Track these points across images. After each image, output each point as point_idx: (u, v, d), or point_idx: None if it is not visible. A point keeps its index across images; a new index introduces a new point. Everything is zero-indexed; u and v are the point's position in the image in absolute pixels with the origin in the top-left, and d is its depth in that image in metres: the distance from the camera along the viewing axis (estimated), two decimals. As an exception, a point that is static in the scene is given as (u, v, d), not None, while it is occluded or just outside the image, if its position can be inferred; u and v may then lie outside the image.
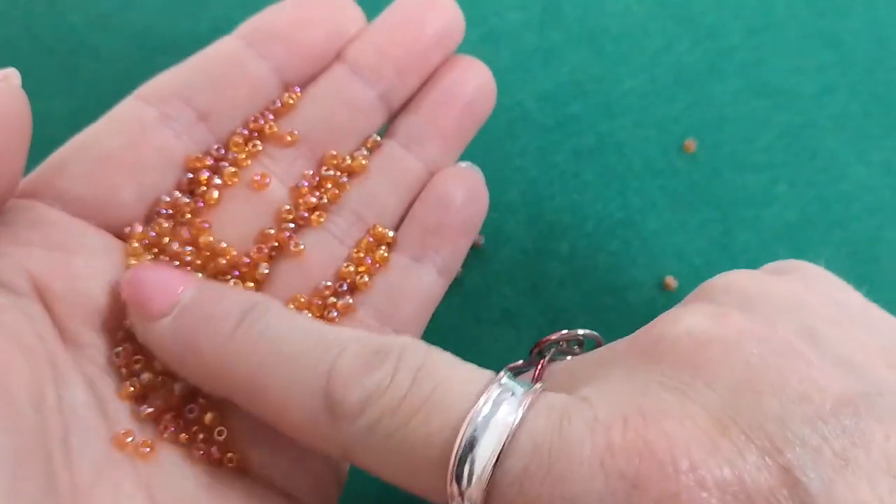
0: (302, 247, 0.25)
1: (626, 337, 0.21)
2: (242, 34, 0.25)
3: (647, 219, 0.34)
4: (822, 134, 0.36)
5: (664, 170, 0.35)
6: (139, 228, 0.23)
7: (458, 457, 0.18)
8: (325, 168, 0.26)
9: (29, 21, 0.39)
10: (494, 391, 0.19)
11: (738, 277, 0.22)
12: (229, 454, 0.22)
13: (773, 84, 0.37)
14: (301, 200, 0.25)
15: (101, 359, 0.22)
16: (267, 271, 0.24)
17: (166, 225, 0.24)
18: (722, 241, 0.34)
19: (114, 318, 0.22)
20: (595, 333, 0.24)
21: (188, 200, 0.24)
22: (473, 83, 0.26)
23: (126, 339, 0.23)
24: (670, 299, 0.33)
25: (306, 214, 0.25)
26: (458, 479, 0.18)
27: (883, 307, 0.33)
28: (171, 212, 0.24)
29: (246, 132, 0.25)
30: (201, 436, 0.22)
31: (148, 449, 0.21)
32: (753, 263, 0.34)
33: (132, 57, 0.38)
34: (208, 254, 0.24)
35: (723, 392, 0.18)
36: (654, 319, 0.21)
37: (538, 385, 0.20)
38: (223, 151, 0.25)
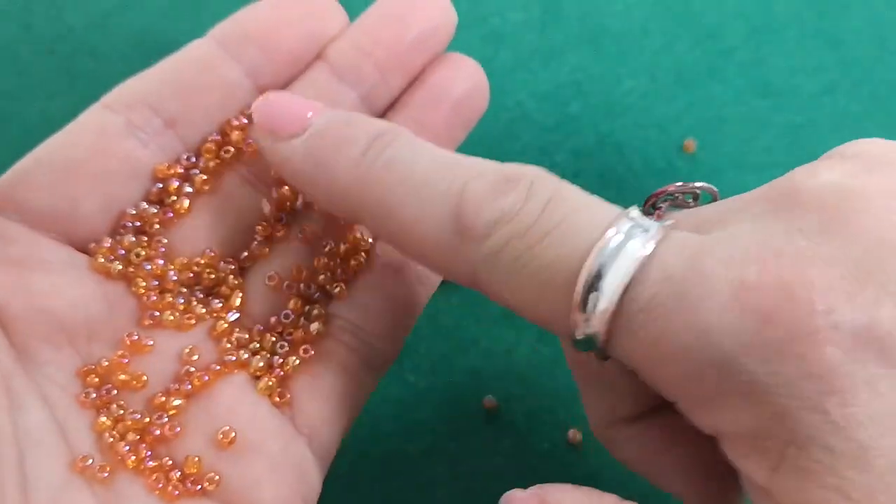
0: (299, 235, 0.24)
1: (754, 190, 0.21)
2: (215, 36, 0.25)
3: (647, 219, 0.34)
4: (823, 134, 0.36)
5: (664, 170, 0.35)
6: (107, 243, 0.23)
7: (586, 284, 0.18)
8: None
9: (28, 21, 0.39)
10: (625, 224, 0.19)
11: (872, 143, 0.21)
12: (211, 475, 0.21)
13: (774, 84, 0.37)
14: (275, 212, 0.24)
15: (60, 377, 0.21)
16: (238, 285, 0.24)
17: (133, 239, 0.23)
18: (722, 241, 0.34)
19: (76, 335, 0.22)
20: (712, 187, 0.23)
21: (155, 211, 0.23)
22: (463, 82, 0.25)
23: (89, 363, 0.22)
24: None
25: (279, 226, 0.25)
26: (584, 306, 0.18)
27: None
28: (138, 224, 0.23)
29: (219, 138, 0.24)
30: (169, 461, 0.22)
31: (106, 473, 0.21)
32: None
33: (131, 57, 0.38)
34: (184, 262, 0.24)
35: (863, 245, 0.18)
36: (787, 174, 0.20)
37: (669, 222, 0.19)
38: (193, 160, 0.24)
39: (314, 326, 0.24)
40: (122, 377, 0.22)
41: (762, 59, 0.37)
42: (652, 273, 0.18)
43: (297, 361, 0.23)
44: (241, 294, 0.24)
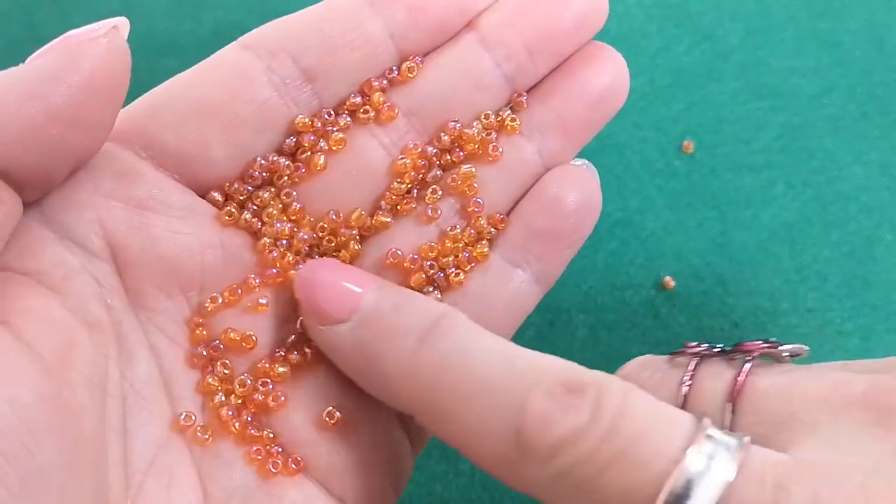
0: (440, 213, 0.23)
1: (859, 377, 0.19)
2: None
3: (645, 219, 0.34)
4: (820, 134, 0.36)
5: (662, 170, 0.35)
6: (239, 193, 0.22)
7: None
8: (441, 135, 0.24)
9: (31, 22, 0.39)
10: (705, 445, 0.17)
11: None
12: (294, 457, 0.21)
13: (771, 85, 0.37)
14: (412, 172, 0.24)
15: (171, 327, 0.21)
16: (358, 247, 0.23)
17: (268, 195, 0.23)
18: (720, 241, 0.34)
19: (189, 284, 0.22)
20: (802, 349, 0.21)
21: (287, 164, 0.23)
22: (608, 76, 0.24)
23: (201, 312, 0.22)
24: (668, 299, 0.33)
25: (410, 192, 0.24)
26: None
27: (880, 308, 0.33)
28: (265, 175, 0.23)
29: (359, 100, 0.23)
30: (265, 433, 0.22)
31: (207, 435, 0.21)
32: (751, 263, 0.34)
33: (134, 58, 0.38)
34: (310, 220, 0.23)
35: None
36: (891, 365, 0.19)
37: (747, 438, 0.17)
38: (328, 116, 0.23)
39: (430, 296, 0.23)
40: (233, 336, 0.22)
41: (760, 60, 0.37)
42: None
43: None
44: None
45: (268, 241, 0.22)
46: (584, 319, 0.33)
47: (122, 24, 0.20)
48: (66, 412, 0.18)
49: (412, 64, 0.23)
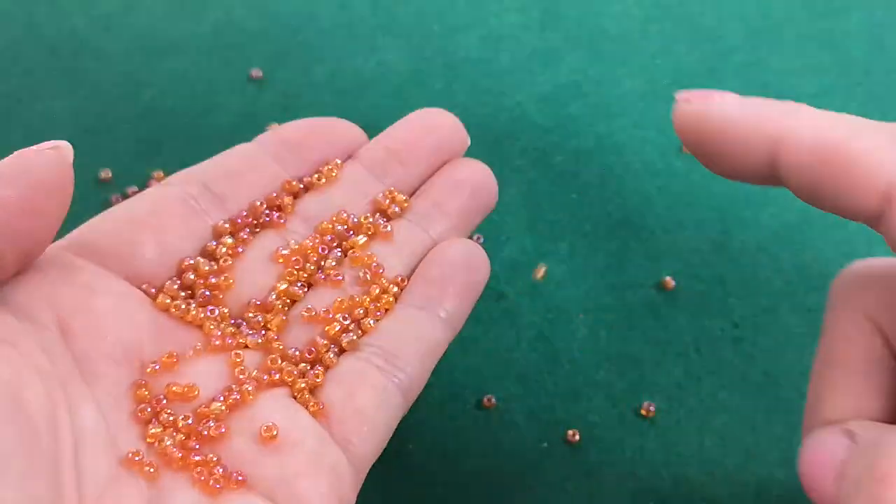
0: (343, 278, 0.27)
1: None
2: (259, 142, 0.29)
3: (645, 219, 0.34)
4: (820, 135, 0.36)
5: (663, 170, 0.35)
6: (174, 286, 0.26)
7: None
8: (335, 225, 0.28)
9: (32, 22, 0.39)
10: None
11: None
12: (237, 472, 0.23)
13: (772, 85, 0.37)
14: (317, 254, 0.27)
15: (116, 391, 0.23)
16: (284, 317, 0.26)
17: (207, 294, 0.26)
18: (720, 241, 0.34)
19: (131, 355, 0.24)
20: None
21: (204, 264, 0.27)
22: (475, 178, 0.29)
23: (144, 377, 0.24)
24: (668, 299, 0.33)
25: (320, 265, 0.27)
26: None
27: (880, 307, 0.34)
28: (192, 276, 0.26)
29: (265, 208, 0.28)
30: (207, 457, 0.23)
31: (153, 469, 0.22)
32: (752, 264, 0.34)
33: (134, 58, 0.38)
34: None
35: None
36: None
37: None
38: (240, 221, 0.28)
39: (347, 337, 0.26)
40: (176, 389, 0.24)
41: (760, 60, 0.38)
42: None
43: (320, 374, 0.25)
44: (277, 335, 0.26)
45: (212, 326, 0.26)
46: (584, 319, 0.33)
47: (64, 146, 0.23)
48: (25, 424, 0.19)
49: (309, 180, 0.29)
